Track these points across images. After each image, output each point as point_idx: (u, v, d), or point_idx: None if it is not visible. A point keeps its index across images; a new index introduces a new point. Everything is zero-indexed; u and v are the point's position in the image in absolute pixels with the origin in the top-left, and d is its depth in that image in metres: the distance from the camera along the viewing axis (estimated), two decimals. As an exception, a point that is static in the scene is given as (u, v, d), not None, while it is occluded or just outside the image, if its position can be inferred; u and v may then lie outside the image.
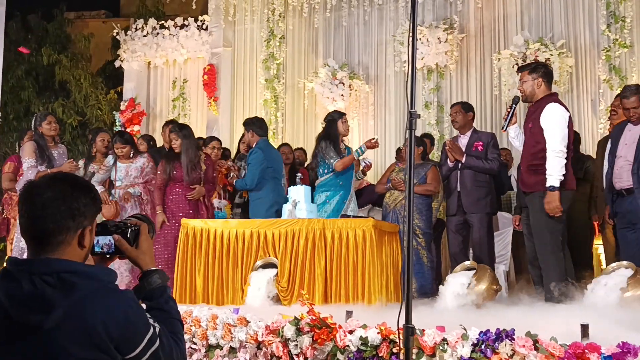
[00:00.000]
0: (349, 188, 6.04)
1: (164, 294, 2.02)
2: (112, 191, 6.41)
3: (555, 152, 4.78)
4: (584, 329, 3.38)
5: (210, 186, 6.28)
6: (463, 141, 6.06)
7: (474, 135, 6.06)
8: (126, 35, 10.20)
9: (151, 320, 1.84)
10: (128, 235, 2.04)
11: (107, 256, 2.06)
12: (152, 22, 10.14)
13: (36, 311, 1.69)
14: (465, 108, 6.13)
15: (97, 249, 2.01)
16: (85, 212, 1.84)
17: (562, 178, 4.77)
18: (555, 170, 4.77)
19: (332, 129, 6.11)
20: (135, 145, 6.70)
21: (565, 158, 4.82)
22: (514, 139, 5.28)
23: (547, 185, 4.77)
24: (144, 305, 1.97)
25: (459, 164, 5.88)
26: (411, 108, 2.64)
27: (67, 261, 1.78)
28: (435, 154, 7.99)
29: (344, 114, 6.28)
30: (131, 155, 6.45)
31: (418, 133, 7.79)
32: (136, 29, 10.19)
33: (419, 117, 2.67)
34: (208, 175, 6.20)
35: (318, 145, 6.14)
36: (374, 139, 5.87)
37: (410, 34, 2.62)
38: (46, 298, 1.70)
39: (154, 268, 2.05)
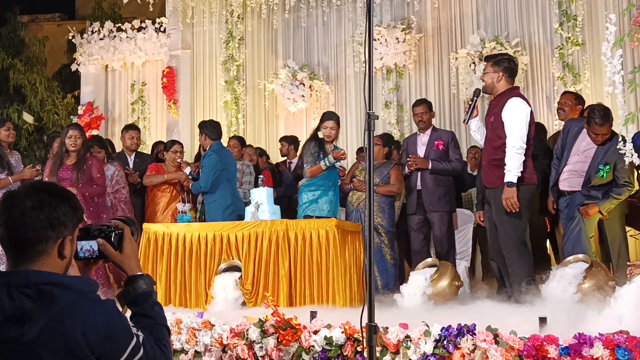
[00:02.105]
0: (337, 188, 5.98)
1: (150, 300, 1.98)
2: None
3: (515, 148, 4.81)
4: (542, 321, 3.47)
5: (98, 188, 6.04)
6: (423, 139, 6.12)
7: (433, 133, 6.12)
8: (82, 38, 10.02)
9: (134, 329, 1.80)
10: (112, 239, 1.99)
11: (92, 261, 2.01)
12: (108, 24, 9.98)
13: (15, 325, 1.65)
14: (430, 107, 6.21)
15: (80, 254, 1.96)
16: (65, 221, 1.79)
17: (520, 174, 4.82)
18: (514, 166, 4.81)
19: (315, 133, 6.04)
20: (109, 152, 6.64)
21: (526, 154, 4.88)
22: (475, 132, 5.30)
23: (505, 180, 4.82)
24: (129, 311, 1.95)
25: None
26: (369, 109, 2.67)
27: (45, 273, 1.74)
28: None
29: (329, 119, 5.94)
30: (105, 160, 6.40)
31: (379, 132, 7.87)
32: (92, 32, 10.02)
33: (377, 118, 2.71)
34: (93, 176, 5.95)
35: (304, 145, 6.06)
36: (341, 150, 5.81)
37: (367, 38, 2.65)
38: (25, 311, 1.66)
39: (140, 273, 2.00)
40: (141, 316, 1.94)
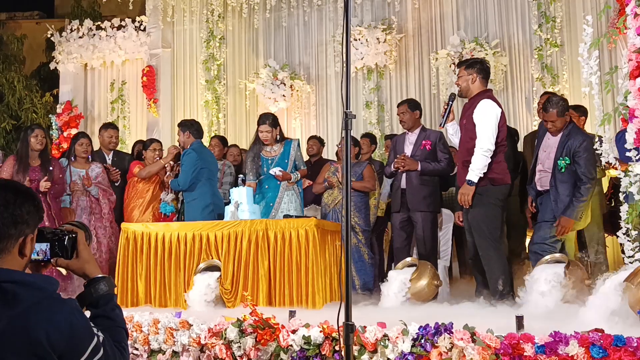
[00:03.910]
0: (276, 191, 6.04)
1: (110, 302, 1.99)
2: (64, 198, 6.24)
3: (483, 150, 4.88)
4: (519, 320, 3.49)
5: (61, 187, 6.10)
6: (411, 139, 6.09)
7: (422, 133, 6.09)
8: (61, 36, 9.92)
9: (95, 329, 1.81)
10: (65, 243, 1.99)
11: (42, 263, 2.00)
12: (87, 23, 9.88)
13: None
14: (412, 107, 6.13)
15: (32, 256, 1.94)
16: (28, 220, 1.80)
17: (482, 175, 4.89)
18: (477, 167, 4.88)
19: (256, 134, 6.14)
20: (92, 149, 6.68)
21: (498, 152, 4.92)
22: (453, 135, 5.35)
23: (467, 178, 4.91)
24: (88, 313, 1.94)
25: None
26: (346, 109, 2.67)
27: (7, 270, 1.73)
28: (377, 153, 8.07)
29: (262, 123, 6.11)
30: (89, 159, 6.39)
31: (360, 132, 7.88)
32: (71, 30, 9.91)
33: (354, 118, 2.71)
34: (55, 176, 6.00)
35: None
36: (279, 170, 5.95)
37: (344, 37, 2.65)
38: None
39: (100, 275, 2.01)
40: (101, 318, 1.94)
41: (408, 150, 6.08)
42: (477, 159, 4.89)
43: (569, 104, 6.46)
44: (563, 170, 5.07)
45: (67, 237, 2.00)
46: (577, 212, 4.98)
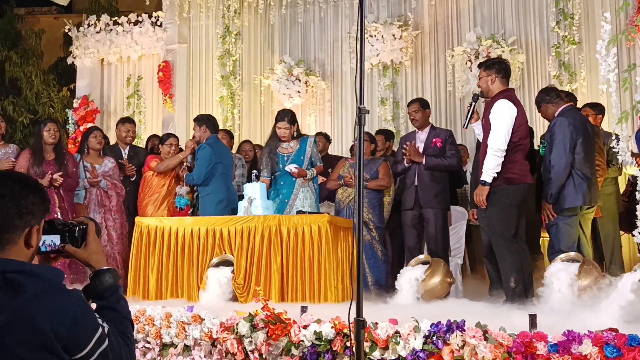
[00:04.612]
0: (291, 187, 6.01)
1: (116, 294, 2.00)
2: (77, 192, 6.28)
3: (493, 150, 4.86)
4: (532, 319, 3.46)
5: (74, 181, 6.15)
6: (422, 137, 6.10)
7: (432, 132, 6.11)
8: (78, 31, 9.99)
9: (100, 320, 1.81)
10: (76, 234, 2.01)
11: (52, 255, 2.02)
12: (104, 18, 9.94)
13: None
14: (423, 105, 6.17)
15: (42, 248, 1.97)
16: (34, 211, 1.81)
17: (495, 175, 4.88)
18: (488, 167, 4.88)
19: (274, 130, 6.11)
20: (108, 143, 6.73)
21: (515, 151, 4.90)
22: (479, 135, 5.35)
23: (481, 179, 4.92)
24: (94, 305, 1.95)
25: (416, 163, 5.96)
26: (360, 104, 2.66)
27: (13, 261, 1.74)
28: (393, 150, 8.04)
29: (281, 120, 6.04)
30: (100, 154, 6.43)
31: (375, 129, 7.86)
32: (89, 25, 9.98)
33: (368, 113, 2.70)
34: (69, 170, 6.07)
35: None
36: (295, 167, 5.93)
37: (359, 31, 2.64)
38: None
39: (106, 267, 2.02)
40: (107, 309, 1.95)
41: (419, 148, 6.07)
42: (488, 159, 4.89)
43: (588, 103, 6.43)
44: (542, 153, 5.30)
45: (77, 228, 2.02)
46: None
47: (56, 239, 1.99)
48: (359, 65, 2.61)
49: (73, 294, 1.77)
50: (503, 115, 4.91)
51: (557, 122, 5.05)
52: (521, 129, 4.98)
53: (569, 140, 4.96)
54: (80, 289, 1.91)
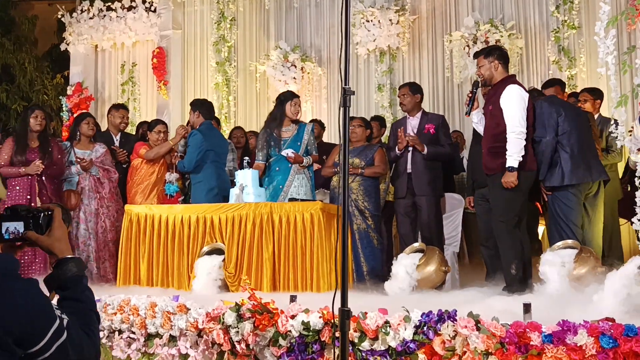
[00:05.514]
0: (286, 174, 5.89)
1: (80, 284, 1.87)
2: (70, 179, 6.17)
3: (515, 133, 4.79)
4: (527, 307, 3.37)
5: (59, 168, 6.05)
6: (413, 123, 6.01)
7: (424, 117, 6.01)
8: (71, 17, 9.84)
9: (58, 312, 1.68)
10: (40, 221, 1.88)
11: (18, 244, 1.90)
12: (98, 3, 9.79)
13: None
14: (413, 90, 6.05)
15: (6, 236, 1.85)
16: None
17: (521, 159, 4.78)
18: (514, 151, 4.78)
19: (277, 111, 5.92)
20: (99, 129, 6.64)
21: (525, 139, 4.83)
22: (477, 124, 5.29)
23: (507, 165, 4.79)
24: (56, 297, 1.84)
25: (409, 148, 5.84)
26: (345, 84, 2.55)
27: None
28: (386, 137, 7.93)
29: (296, 97, 5.96)
30: (92, 140, 6.32)
31: (371, 115, 7.74)
32: (82, 11, 9.83)
33: (353, 94, 2.59)
34: (54, 157, 5.98)
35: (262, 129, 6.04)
36: (291, 152, 5.79)
37: (344, 8, 2.52)
38: None
39: (69, 256, 1.89)
40: (70, 300, 1.82)
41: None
42: (512, 142, 4.79)
43: (585, 88, 6.30)
44: None
45: (42, 214, 1.89)
46: None
47: (20, 226, 1.87)
48: (344, 42, 2.49)
49: (27, 283, 1.64)
50: (516, 99, 4.86)
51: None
52: (529, 116, 4.93)
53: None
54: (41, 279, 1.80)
